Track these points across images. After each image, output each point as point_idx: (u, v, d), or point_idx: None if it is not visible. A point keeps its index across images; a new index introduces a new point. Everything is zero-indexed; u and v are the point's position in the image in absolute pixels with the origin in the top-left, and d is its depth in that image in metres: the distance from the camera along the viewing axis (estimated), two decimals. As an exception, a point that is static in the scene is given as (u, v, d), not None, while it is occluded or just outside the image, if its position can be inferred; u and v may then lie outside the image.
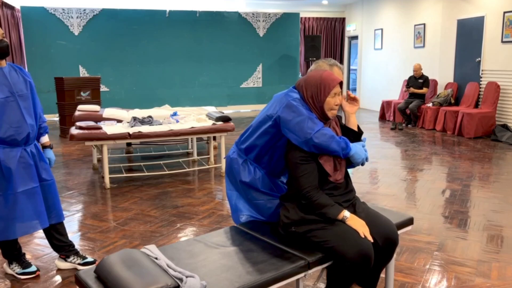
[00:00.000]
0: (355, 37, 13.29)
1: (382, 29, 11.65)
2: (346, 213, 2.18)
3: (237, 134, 7.33)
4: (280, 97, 2.33)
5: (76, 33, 10.44)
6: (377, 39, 11.94)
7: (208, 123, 5.54)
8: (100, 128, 5.10)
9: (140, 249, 2.10)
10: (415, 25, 10.26)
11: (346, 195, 2.30)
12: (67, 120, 8.02)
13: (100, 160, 6.00)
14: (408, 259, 3.17)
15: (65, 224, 3.13)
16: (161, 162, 6.04)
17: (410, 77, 9.47)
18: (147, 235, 3.68)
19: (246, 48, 11.91)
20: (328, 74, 2.24)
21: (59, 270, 3.07)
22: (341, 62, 13.89)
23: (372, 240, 2.12)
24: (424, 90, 9.19)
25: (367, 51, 12.50)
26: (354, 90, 13.54)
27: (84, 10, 10.43)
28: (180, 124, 5.47)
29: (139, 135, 5.03)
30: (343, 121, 2.47)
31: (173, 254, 2.11)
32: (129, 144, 7.03)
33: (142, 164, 6.09)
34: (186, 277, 1.81)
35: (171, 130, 5.19)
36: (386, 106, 10.35)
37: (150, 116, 5.71)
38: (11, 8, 9.70)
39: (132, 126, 5.27)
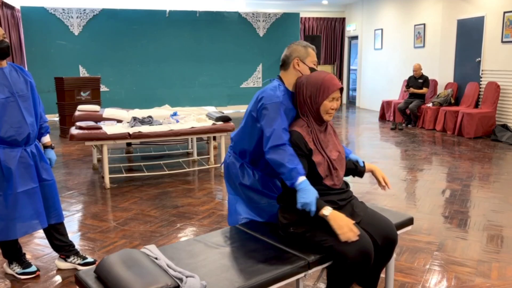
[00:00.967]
0: (355, 37, 13.29)
1: (382, 29, 11.65)
2: (325, 211, 2.06)
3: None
4: (260, 91, 2.34)
5: (76, 33, 10.44)
6: (377, 39, 11.94)
7: (208, 123, 5.54)
8: (100, 128, 5.10)
9: (140, 249, 2.10)
10: (415, 25, 10.26)
11: (342, 194, 2.29)
12: (67, 120, 8.02)
13: (100, 160, 6.00)
14: (408, 259, 3.17)
15: (65, 224, 3.13)
16: (161, 162, 6.04)
17: (410, 77, 9.47)
18: (147, 235, 3.68)
19: (246, 48, 11.91)
20: (330, 78, 2.23)
21: (59, 270, 3.07)
22: (341, 62, 13.91)
23: (358, 232, 2.05)
24: (424, 90, 9.19)
25: (367, 51, 12.50)
26: (354, 90, 13.54)
27: (84, 10, 10.43)
28: (180, 124, 5.48)
29: (139, 135, 5.03)
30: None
31: (173, 254, 2.11)
32: (129, 144, 7.03)
33: (142, 164, 6.09)
34: (186, 277, 1.81)
35: (171, 130, 5.19)
36: (386, 106, 10.35)
37: (150, 116, 5.71)
38: (11, 8, 9.70)
39: (132, 126, 5.27)
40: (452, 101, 8.76)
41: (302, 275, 2.07)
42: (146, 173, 5.53)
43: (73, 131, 5.04)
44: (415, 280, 2.88)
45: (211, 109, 6.71)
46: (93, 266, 2.01)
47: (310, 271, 2.09)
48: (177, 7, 11.32)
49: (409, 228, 2.61)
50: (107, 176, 5.02)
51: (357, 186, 4.94)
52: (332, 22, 13.71)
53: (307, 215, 2.15)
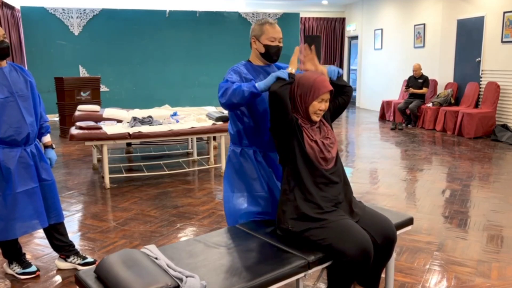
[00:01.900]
0: (355, 37, 13.29)
1: (382, 29, 11.65)
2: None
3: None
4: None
5: (76, 33, 10.44)
6: (377, 39, 11.94)
7: (208, 123, 5.54)
8: (100, 128, 5.10)
9: (140, 249, 2.10)
10: (415, 25, 10.26)
11: (342, 190, 2.30)
12: (67, 120, 8.01)
13: (100, 160, 6.00)
14: (408, 259, 3.17)
15: (65, 224, 3.13)
16: (161, 162, 6.04)
17: (410, 77, 9.47)
18: (147, 235, 3.68)
19: (246, 48, 11.84)
20: (321, 79, 2.29)
21: (59, 270, 3.07)
22: (341, 62, 13.90)
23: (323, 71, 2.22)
24: (424, 90, 9.19)
25: (367, 51, 12.50)
26: (354, 90, 13.53)
27: (84, 10, 10.44)
28: (180, 124, 5.48)
29: (139, 135, 5.03)
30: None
31: (173, 254, 2.11)
32: (129, 144, 7.02)
33: (142, 164, 6.09)
34: (186, 277, 1.81)
35: (171, 130, 5.19)
36: (386, 106, 10.36)
37: (150, 116, 5.71)
38: (11, 8, 9.70)
39: (132, 126, 5.27)
40: (452, 101, 8.76)
41: (302, 275, 2.07)
42: (146, 173, 5.53)
43: (73, 131, 5.04)
44: (415, 280, 2.88)
45: (211, 109, 6.71)
46: (93, 266, 2.01)
47: (310, 271, 2.09)
48: (177, 7, 11.32)
49: (409, 228, 2.61)
50: (107, 176, 5.02)
51: (357, 186, 4.94)
52: (332, 22, 13.71)
53: (307, 215, 2.16)
